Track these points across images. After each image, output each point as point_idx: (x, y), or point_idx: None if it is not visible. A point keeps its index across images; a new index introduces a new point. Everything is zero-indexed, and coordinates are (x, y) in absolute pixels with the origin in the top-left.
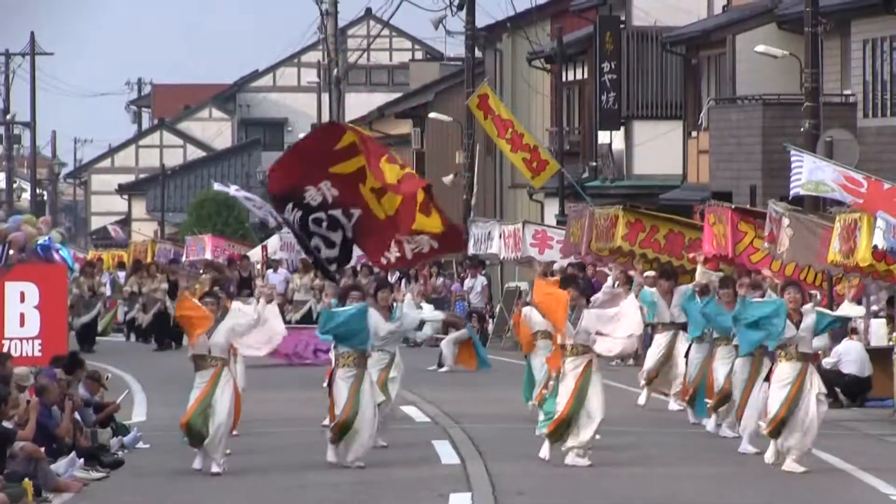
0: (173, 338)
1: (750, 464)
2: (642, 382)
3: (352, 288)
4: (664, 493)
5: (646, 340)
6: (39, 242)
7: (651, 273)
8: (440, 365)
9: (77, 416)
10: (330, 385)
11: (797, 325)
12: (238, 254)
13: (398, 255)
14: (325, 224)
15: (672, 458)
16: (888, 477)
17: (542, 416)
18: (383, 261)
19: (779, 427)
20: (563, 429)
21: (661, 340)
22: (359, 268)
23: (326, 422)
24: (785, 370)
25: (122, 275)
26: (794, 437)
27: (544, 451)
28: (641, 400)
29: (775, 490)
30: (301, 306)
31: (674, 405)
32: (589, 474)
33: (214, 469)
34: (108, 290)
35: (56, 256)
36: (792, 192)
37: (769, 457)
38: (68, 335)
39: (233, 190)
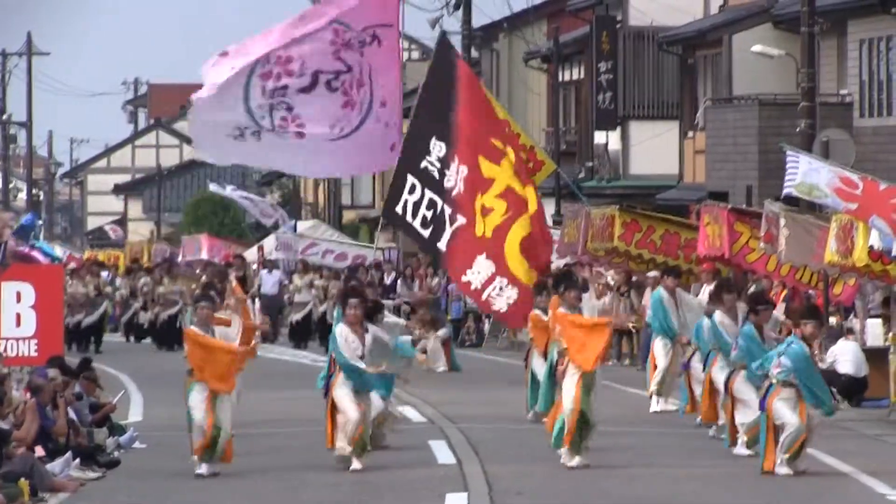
0: (179, 342)
1: (748, 464)
2: (652, 389)
3: (352, 293)
4: (663, 493)
5: (645, 341)
6: (22, 222)
7: (654, 273)
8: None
9: (72, 414)
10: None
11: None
12: (231, 254)
13: (478, 287)
14: (435, 210)
15: (671, 459)
16: (885, 477)
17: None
18: (463, 279)
19: (798, 452)
20: (582, 428)
21: (661, 346)
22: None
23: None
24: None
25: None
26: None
27: (566, 458)
28: (654, 407)
29: (773, 490)
30: (301, 307)
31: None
32: (587, 475)
33: (215, 469)
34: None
35: (38, 255)
36: (784, 193)
37: (784, 470)
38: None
39: (229, 190)
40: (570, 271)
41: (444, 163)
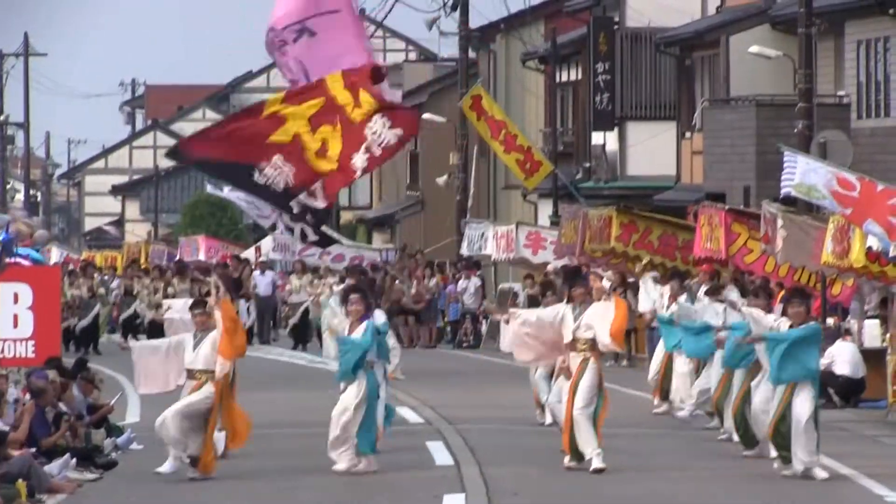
0: None
1: (746, 465)
2: (655, 399)
3: (354, 289)
4: (660, 494)
5: (652, 340)
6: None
7: (654, 274)
8: None
9: (63, 407)
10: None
11: None
12: (230, 255)
13: (367, 156)
14: (303, 216)
15: (668, 460)
16: (883, 478)
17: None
18: (357, 173)
19: (777, 434)
20: (574, 444)
21: (661, 351)
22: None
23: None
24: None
25: None
26: (798, 446)
27: (568, 461)
28: (660, 409)
29: (770, 491)
30: (297, 308)
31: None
32: (584, 475)
33: (168, 468)
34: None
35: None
36: (783, 193)
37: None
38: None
39: (227, 191)
40: (579, 268)
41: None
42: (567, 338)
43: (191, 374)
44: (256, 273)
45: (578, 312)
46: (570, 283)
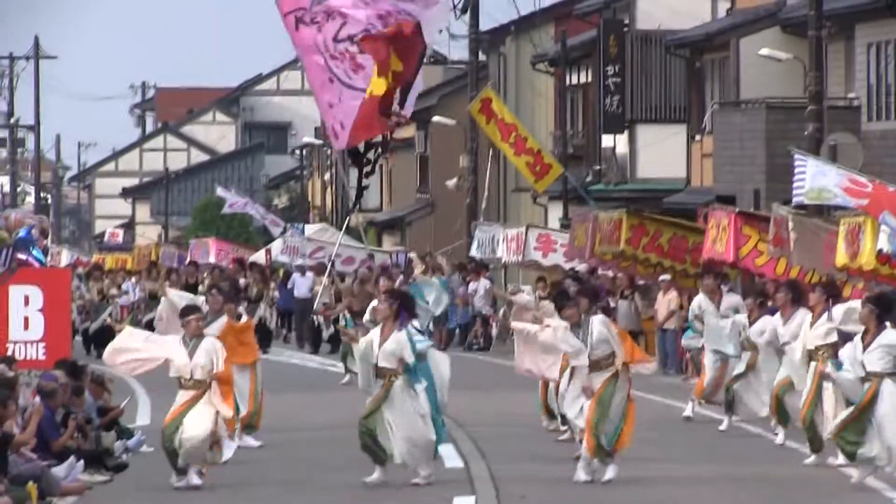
0: None
1: (749, 467)
2: (698, 400)
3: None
4: (667, 498)
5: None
6: (20, 235)
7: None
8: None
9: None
10: None
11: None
12: (237, 257)
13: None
14: None
15: (676, 464)
16: (892, 481)
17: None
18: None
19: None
20: (602, 451)
21: (710, 362)
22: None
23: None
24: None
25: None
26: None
27: (580, 475)
28: (688, 412)
29: (774, 493)
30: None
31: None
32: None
33: (195, 481)
34: (133, 295)
35: (33, 262)
36: (794, 202)
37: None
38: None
39: (227, 203)
40: (565, 290)
41: None
42: (583, 361)
43: (184, 381)
44: (297, 275)
45: (584, 333)
46: (561, 306)
